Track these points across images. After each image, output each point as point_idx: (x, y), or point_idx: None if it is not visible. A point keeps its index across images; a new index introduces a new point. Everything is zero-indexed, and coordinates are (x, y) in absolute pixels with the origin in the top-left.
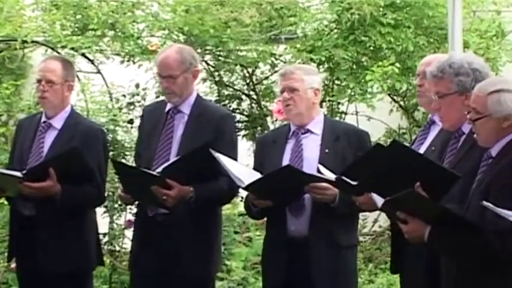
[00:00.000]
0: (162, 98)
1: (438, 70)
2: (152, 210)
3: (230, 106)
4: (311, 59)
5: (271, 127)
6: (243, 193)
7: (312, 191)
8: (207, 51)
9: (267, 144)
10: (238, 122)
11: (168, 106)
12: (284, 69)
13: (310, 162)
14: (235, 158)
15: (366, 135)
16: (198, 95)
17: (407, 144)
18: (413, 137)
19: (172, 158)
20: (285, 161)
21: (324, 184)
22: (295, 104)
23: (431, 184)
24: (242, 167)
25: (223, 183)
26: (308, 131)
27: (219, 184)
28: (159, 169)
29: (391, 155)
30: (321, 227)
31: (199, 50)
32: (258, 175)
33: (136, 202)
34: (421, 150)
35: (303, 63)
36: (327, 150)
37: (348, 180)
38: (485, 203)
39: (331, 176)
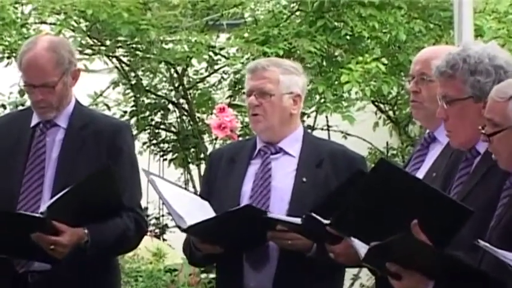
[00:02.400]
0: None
1: (448, 65)
2: (23, 265)
3: (152, 120)
4: (264, 53)
5: (210, 148)
6: (174, 236)
7: (277, 237)
8: (120, 44)
9: (221, 163)
10: (164, 141)
11: (35, 118)
12: (255, 63)
13: (280, 194)
14: (137, 184)
15: (360, 160)
16: (77, 102)
17: (399, 165)
18: (407, 159)
19: (47, 190)
20: (245, 189)
21: (296, 235)
22: (265, 114)
23: (433, 223)
24: (185, 195)
25: (127, 220)
26: (280, 150)
27: (121, 222)
28: (42, 208)
29: (376, 181)
30: (291, 285)
31: (108, 42)
32: (207, 209)
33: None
34: (418, 175)
35: (253, 58)
36: (304, 179)
37: (318, 217)
38: (481, 242)
39: (289, 218)
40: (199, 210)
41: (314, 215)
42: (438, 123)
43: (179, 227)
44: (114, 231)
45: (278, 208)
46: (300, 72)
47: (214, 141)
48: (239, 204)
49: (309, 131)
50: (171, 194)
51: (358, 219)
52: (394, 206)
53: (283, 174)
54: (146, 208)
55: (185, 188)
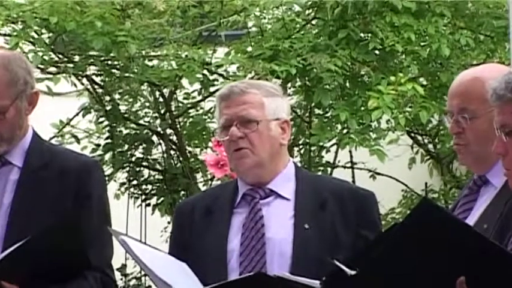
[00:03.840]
0: None
1: (509, 88)
2: None
3: (131, 155)
4: (272, 72)
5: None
6: None
7: None
8: (91, 60)
9: (194, 217)
10: (146, 182)
11: None
12: (228, 87)
13: (279, 247)
14: (108, 238)
15: (370, 197)
16: (35, 134)
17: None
18: (451, 205)
19: None
20: (232, 246)
21: None
22: (252, 147)
23: (485, 283)
24: (164, 258)
25: (93, 283)
26: (271, 193)
27: (86, 285)
28: None
29: (415, 226)
30: None
31: (77, 58)
32: (190, 274)
33: None
34: None
35: (258, 78)
36: (306, 226)
37: (343, 267)
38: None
39: (304, 280)
40: (182, 276)
41: (337, 263)
42: (491, 165)
43: None
44: None
45: (278, 265)
46: (283, 93)
47: (209, 182)
48: (226, 265)
49: (328, 169)
50: (150, 258)
51: (389, 273)
52: (436, 259)
53: (279, 222)
54: (124, 266)
55: (160, 249)
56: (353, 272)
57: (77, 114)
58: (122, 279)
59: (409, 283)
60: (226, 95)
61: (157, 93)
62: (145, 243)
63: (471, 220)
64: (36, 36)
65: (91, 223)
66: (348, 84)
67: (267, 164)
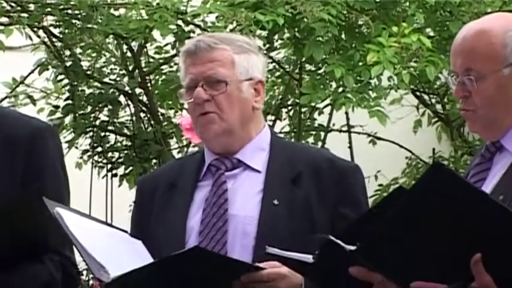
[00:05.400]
0: None
1: None
2: None
3: (96, 118)
4: (256, 23)
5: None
6: None
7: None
8: (49, 9)
9: (156, 192)
10: (113, 149)
11: None
12: (194, 42)
13: (242, 225)
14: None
15: (352, 170)
16: None
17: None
18: (462, 174)
19: None
20: (192, 223)
21: (274, 270)
22: (220, 111)
23: (504, 261)
24: (109, 234)
25: (51, 267)
26: (239, 164)
27: (43, 270)
28: None
29: (425, 194)
30: None
31: (32, 7)
32: (141, 252)
33: None
34: None
35: (241, 30)
36: (275, 202)
37: (340, 242)
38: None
39: (296, 255)
40: (130, 255)
41: (334, 239)
42: (504, 130)
43: (99, 281)
44: (33, 284)
45: (240, 245)
46: (257, 50)
47: (185, 149)
48: (184, 244)
49: (321, 133)
50: (87, 234)
51: (396, 248)
52: (449, 233)
53: (245, 197)
54: None
55: (113, 225)
56: (353, 248)
57: (33, 72)
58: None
59: (417, 260)
60: (192, 51)
61: (124, 47)
62: (93, 217)
63: (486, 189)
64: None
65: (46, 194)
66: (343, 36)
67: (236, 131)
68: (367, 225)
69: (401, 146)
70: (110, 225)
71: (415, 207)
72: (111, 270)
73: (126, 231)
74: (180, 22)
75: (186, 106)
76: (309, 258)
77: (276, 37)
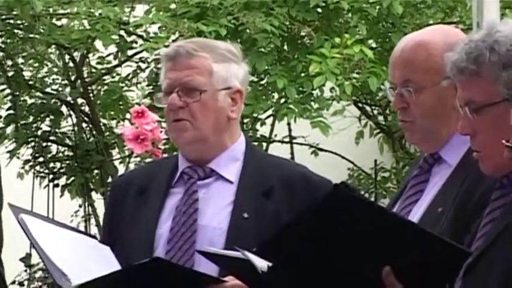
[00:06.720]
0: None
1: (470, 59)
2: None
3: (37, 128)
4: (199, 33)
5: (121, 170)
6: None
7: None
8: None
9: (128, 196)
10: (55, 159)
11: None
12: (174, 46)
13: (210, 236)
14: None
15: (325, 186)
16: None
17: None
18: (399, 187)
19: None
20: (162, 231)
21: (237, 282)
22: (193, 119)
23: (414, 270)
24: (74, 240)
25: None
26: (212, 173)
27: None
28: None
29: (327, 213)
30: None
31: None
32: (108, 259)
33: None
34: (414, 215)
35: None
36: (245, 215)
37: (255, 262)
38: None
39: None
40: (96, 263)
41: (249, 256)
42: (442, 142)
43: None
44: None
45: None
46: (240, 58)
47: (127, 160)
48: (152, 252)
49: (263, 144)
50: (51, 241)
51: (306, 267)
52: (357, 250)
53: (216, 208)
54: (29, 255)
55: (81, 230)
56: (264, 268)
57: None
58: (26, 270)
59: (328, 278)
60: (171, 56)
61: (66, 57)
62: (58, 222)
63: (423, 204)
64: None
65: None
66: (286, 47)
67: (209, 140)
68: (282, 240)
69: (343, 157)
70: (79, 231)
71: (323, 225)
72: (74, 278)
73: (95, 237)
74: (122, 32)
75: (128, 116)
76: (244, 255)
77: None
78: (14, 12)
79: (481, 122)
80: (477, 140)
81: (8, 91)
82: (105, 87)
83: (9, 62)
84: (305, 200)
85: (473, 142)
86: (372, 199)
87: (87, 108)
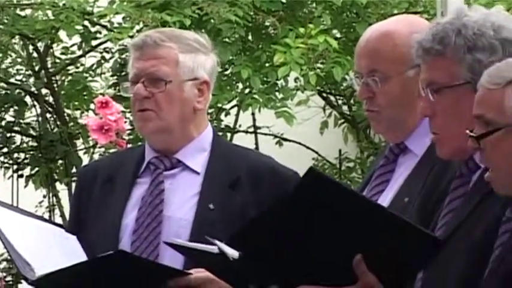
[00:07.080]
0: None
1: (436, 39)
2: None
3: (1, 119)
4: (163, 23)
5: (85, 160)
6: None
7: None
8: None
9: (95, 185)
10: (19, 150)
11: None
12: (142, 36)
13: (176, 228)
14: None
15: (292, 178)
16: None
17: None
18: (365, 177)
19: None
20: (127, 221)
21: (201, 275)
22: (158, 109)
23: (385, 258)
24: (39, 230)
25: None
26: (178, 164)
27: None
28: None
29: (302, 198)
30: None
31: None
32: (74, 249)
33: None
34: (382, 201)
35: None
36: (211, 206)
37: (226, 249)
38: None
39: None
40: (61, 253)
41: (221, 246)
42: (408, 132)
43: (25, 279)
44: None
45: (172, 248)
46: (209, 49)
47: (91, 150)
48: (117, 243)
49: (228, 134)
50: (16, 229)
51: (278, 254)
52: (329, 237)
53: (182, 199)
54: None
55: (47, 219)
56: (236, 256)
57: None
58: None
59: (300, 265)
60: (139, 46)
61: (30, 47)
62: (23, 210)
63: (389, 193)
64: None
65: None
66: (250, 37)
67: (175, 130)
68: (253, 231)
69: (307, 147)
70: (45, 219)
71: (294, 214)
72: (38, 267)
73: (62, 226)
74: (86, 23)
75: (92, 107)
76: (214, 249)
77: None
78: None
79: (441, 103)
80: (436, 121)
81: None
82: (69, 77)
83: None
84: (273, 193)
85: (432, 124)
86: None
87: (51, 99)
